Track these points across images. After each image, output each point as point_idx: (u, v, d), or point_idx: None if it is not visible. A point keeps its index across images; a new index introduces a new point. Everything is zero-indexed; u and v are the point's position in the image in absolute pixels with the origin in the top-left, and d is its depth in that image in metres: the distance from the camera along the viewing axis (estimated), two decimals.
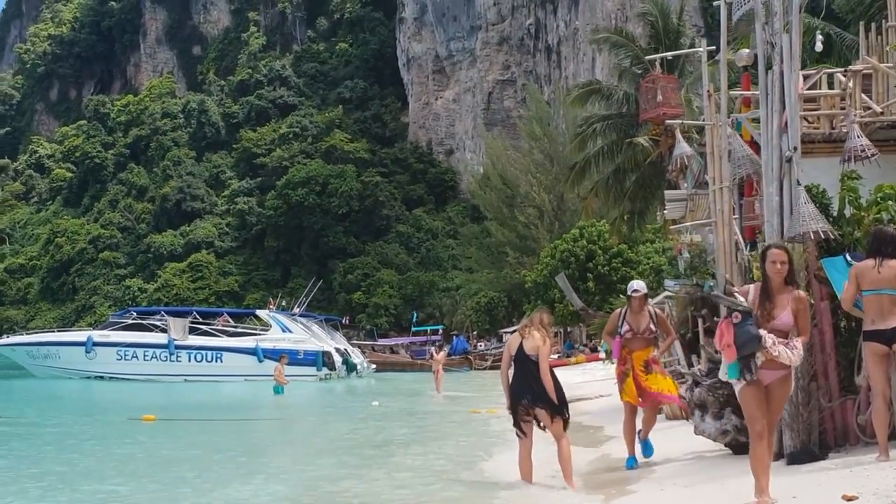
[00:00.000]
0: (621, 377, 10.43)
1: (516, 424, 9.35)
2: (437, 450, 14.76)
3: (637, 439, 10.52)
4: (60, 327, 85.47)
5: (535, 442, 9.54)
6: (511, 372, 9.44)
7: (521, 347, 9.26)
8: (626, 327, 10.31)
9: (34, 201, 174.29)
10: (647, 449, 10.54)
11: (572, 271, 41.37)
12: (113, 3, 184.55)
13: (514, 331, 10.01)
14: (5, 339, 47.89)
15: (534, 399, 9.18)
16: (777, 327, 6.64)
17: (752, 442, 6.77)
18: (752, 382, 6.59)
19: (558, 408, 9.24)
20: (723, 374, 6.94)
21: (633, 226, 34.10)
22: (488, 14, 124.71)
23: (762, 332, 6.54)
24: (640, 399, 10.36)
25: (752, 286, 6.98)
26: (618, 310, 11.03)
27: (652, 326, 10.38)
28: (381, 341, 58.22)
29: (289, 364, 36.47)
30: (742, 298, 6.74)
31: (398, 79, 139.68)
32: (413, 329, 70.33)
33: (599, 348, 45.83)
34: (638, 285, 10.60)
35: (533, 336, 9.22)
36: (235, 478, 12.06)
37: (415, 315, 74.85)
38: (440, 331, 73.26)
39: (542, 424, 9.37)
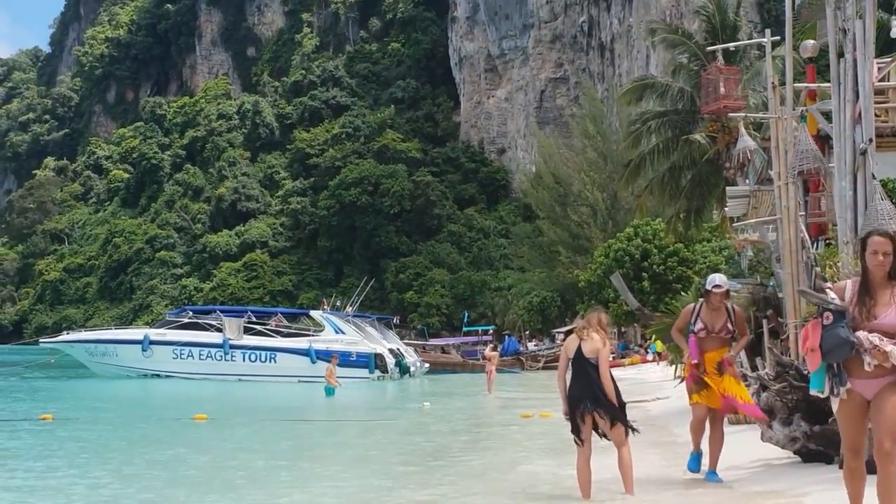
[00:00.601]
0: (697, 380, 9.44)
1: (574, 431, 8.84)
2: (486, 457, 14.31)
3: (698, 462, 9.74)
4: (118, 326, 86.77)
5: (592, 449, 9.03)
6: (568, 376, 8.97)
7: (579, 350, 8.80)
8: (699, 325, 9.39)
9: (92, 202, 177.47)
10: (713, 476, 9.55)
11: (627, 271, 40.71)
12: (169, 5, 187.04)
13: (568, 331, 9.48)
14: (65, 336, 48.37)
15: (593, 404, 8.69)
16: (881, 328, 5.59)
17: (846, 458, 5.91)
18: (847, 397, 5.64)
19: (619, 413, 8.79)
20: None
21: (690, 224, 33.42)
22: (541, 12, 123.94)
23: (861, 334, 5.57)
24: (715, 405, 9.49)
25: (848, 281, 5.96)
26: (690, 305, 10.18)
27: (729, 325, 9.44)
28: (432, 341, 57.75)
29: (341, 365, 36.36)
30: (835, 295, 5.79)
31: (450, 78, 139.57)
32: (464, 329, 69.82)
33: (649, 350, 45.13)
34: (720, 279, 9.63)
35: (592, 338, 8.75)
36: (289, 484, 11.80)
37: (466, 315, 74.54)
38: (490, 331, 72.64)
39: (601, 431, 8.90)
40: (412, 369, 43.31)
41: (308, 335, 41.83)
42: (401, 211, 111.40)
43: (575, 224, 60.90)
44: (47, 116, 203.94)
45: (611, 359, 9.87)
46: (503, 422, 21.19)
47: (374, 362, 40.15)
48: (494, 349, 30.93)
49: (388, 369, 40.72)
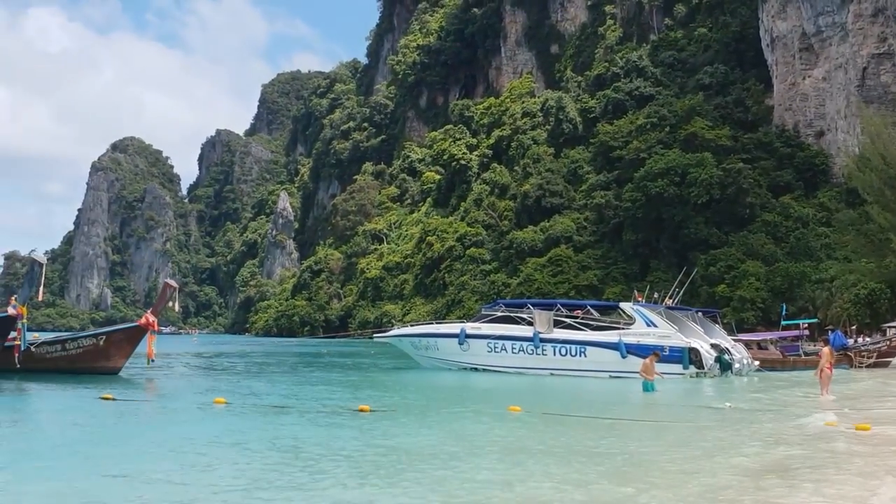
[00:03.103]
0: None
1: None
2: (815, 480, 11.87)
3: None
4: (436, 320, 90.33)
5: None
6: None
7: None
8: None
9: (407, 203, 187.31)
10: None
11: None
12: (475, 9, 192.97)
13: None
14: (395, 331, 50.98)
15: None
16: None
17: None
18: None
19: None
20: None
21: None
22: None
23: None
24: None
25: None
26: None
27: None
28: (742, 336, 54.10)
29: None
30: None
31: (761, 60, 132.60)
32: (783, 323, 65.48)
33: None
34: None
35: None
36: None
37: (784, 308, 70.09)
38: (806, 325, 67.55)
39: None
40: (737, 366, 40.71)
41: (618, 328, 40.58)
42: (710, 201, 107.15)
43: None
44: (366, 124, 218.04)
45: None
46: (824, 436, 17.10)
47: (688, 357, 38.22)
48: (827, 343, 27.99)
49: (705, 365, 38.58)
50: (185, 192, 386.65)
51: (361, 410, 21.89)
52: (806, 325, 67.55)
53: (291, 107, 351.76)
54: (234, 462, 13.79)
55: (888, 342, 53.07)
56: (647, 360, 31.07)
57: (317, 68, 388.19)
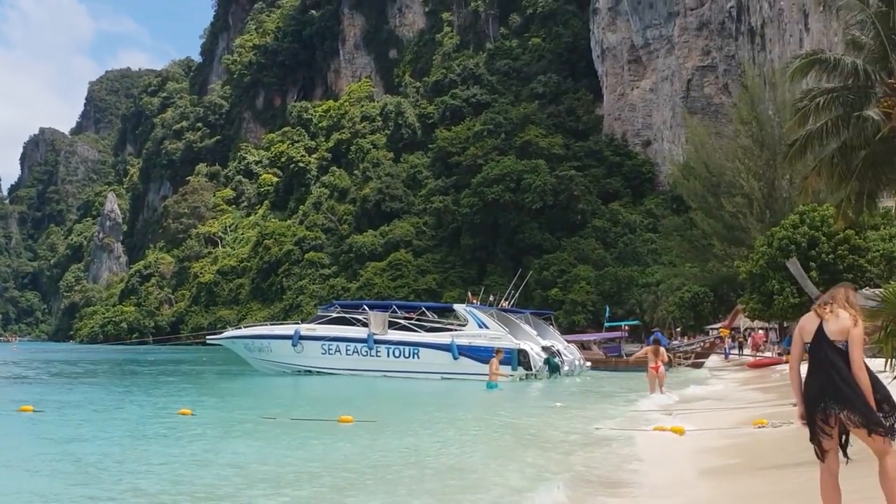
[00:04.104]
0: None
1: (814, 440, 6.88)
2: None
3: None
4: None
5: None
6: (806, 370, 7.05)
7: (820, 332, 6.86)
8: None
9: (243, 206, 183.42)
10: None
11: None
12: (313, 11, 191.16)
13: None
14: (227, 333, 49.10)
15: (840, 404, 6.71)
16: None
17: None
18: None
19: (874, 416, 6.67)
20: None
21: (861, 209, 30.88)
22: None
23: None
24: None
25: None
26: None
27: None
28: (569, 337, 55.03)
29: (483, 362, 35.14)
30: None
31: (592, 71, 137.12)
32: (606, 325, 67.40)
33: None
34: None
35: (839, 316, 6.81)
36: None
37: (608, 310, 72.29)
38: (627, 326, 69.72)
39: (846, 439, 6.90)
40: (566, 367, 41.22)
41: (451, 330, 40.55)
42: (544, 207, 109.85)
43: (729, 214, 57.94)
44: (199, 124, 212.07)
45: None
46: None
47: (517, 359, 38.39)
48: (657, 343, 28.53)
49: (534, 367, 38.83)
50: (5, 192, 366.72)
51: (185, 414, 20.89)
52: (626, 326, 69.77)
53: (121, 105, 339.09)
54: None
55: (702, 344, 55.54)
56: (493, 360, 31.26)
57: (148, 66, 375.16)
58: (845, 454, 6.90)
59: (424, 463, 13.06)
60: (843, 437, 6.87)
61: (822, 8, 42.84)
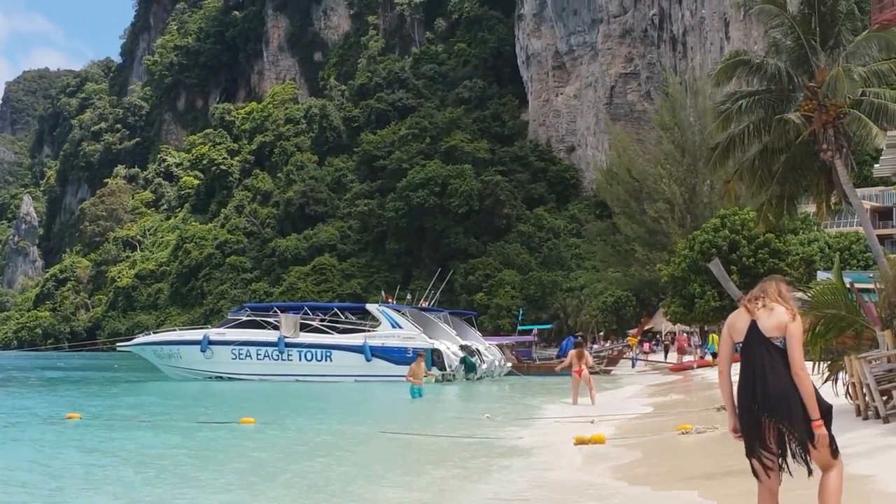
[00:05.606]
0: None
1: (751, 454, 5.83)
2: None
3: None
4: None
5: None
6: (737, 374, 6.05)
7: (753, 329, 5.83)
8: None
9: (163, 208, 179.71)
10: None
11: None
12: (236, 12, 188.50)
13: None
14: (136, 339, 47.35)
15: (778, 413, 5.73)
16: None
17: None
18: None
19: (810, 427, 5.71)
20: None
21: (782, 212, 30.95)
22: (610, 6, 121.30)
23: None
24: None
25: None
26: None
27: None
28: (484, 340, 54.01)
29: (396, 363, 34.21)
30: None
31: (517, 77, 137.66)
32: (519, 328, 67.02)
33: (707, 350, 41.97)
34: None
35: (774, 310, 5.78)
36: None
37: (521, 313, 72.00)
38: (536, 330, 68.67)
39: (790, 451, 5.86)
40: (484, 366, 40.44)
41: (364, 330, 39.51)
42: (469, 212, 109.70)
43: (651, 219, 58.25)
44: (119, 126, 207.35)
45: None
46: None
47: (430, 359, 36.24)
48: (580, 346, 27.74)
49: (449, 367, 37.93)
50: None
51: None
52: (536, 330, 69.18)
53: (38, 106, 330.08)
54: None
55: (611, 350, 54.95)
56: (414, 365, 29.25)
57: (63, 66, 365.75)
58: (787, 468, 5.92)
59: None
60: (784, 448, 5.88)
61: (742, 15, 43.27)
